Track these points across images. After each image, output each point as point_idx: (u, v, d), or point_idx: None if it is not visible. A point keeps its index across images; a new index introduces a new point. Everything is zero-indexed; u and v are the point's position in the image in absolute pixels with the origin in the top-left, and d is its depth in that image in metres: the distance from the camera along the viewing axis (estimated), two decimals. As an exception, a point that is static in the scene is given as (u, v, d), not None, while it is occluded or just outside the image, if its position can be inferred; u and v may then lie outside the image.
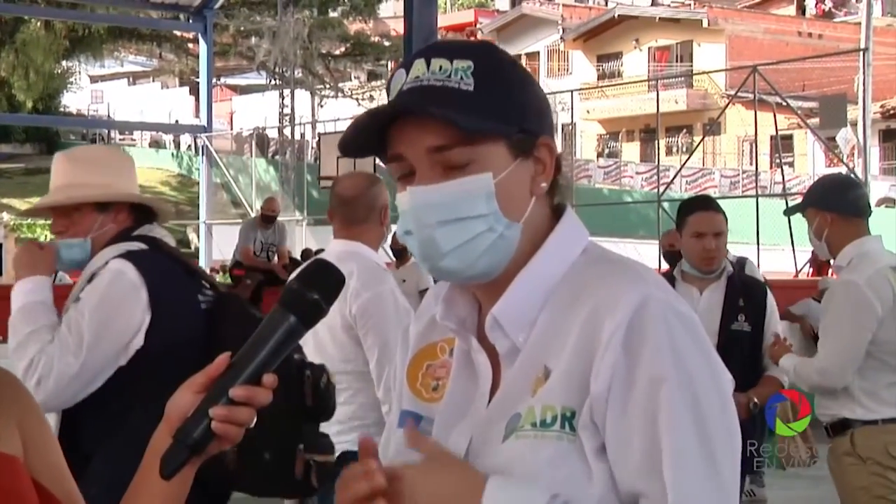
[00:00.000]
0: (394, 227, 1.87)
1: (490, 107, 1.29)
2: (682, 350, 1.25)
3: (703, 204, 4.34)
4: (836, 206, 3.83)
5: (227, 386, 1.26)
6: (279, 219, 12.69)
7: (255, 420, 1.28)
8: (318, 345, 3.51)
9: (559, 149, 1.39)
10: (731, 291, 4.15)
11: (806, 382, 3.82)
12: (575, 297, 1.30)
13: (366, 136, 1.33)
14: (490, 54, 1.35)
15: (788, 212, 4.43)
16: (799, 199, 4.68)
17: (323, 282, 1.30)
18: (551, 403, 1.26)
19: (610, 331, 1.25)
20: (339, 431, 3.50)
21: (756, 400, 4.02)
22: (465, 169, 1.30)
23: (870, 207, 3.98)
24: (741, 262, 6.73)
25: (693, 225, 4.14)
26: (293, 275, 2.10)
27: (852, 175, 12.05)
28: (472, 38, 40.91)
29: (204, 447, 1.26)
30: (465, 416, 1.35)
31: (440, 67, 1.30)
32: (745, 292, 4.16)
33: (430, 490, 1.22)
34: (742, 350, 4.04)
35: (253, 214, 17.34)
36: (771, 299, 4.17)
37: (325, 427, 3.56)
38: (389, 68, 33.11)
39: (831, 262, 4.17)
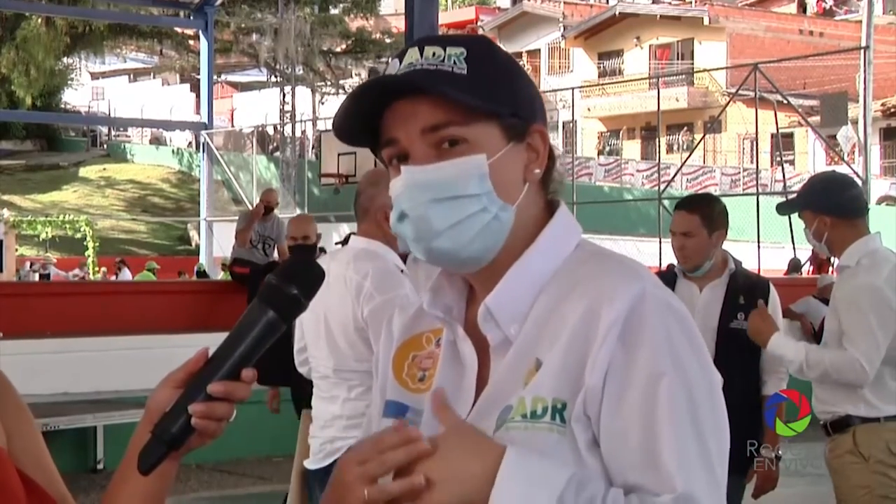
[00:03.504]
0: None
1: (484, 89, 1.30)
2: (678, 346, 1.26)
3: (681, 203, 4.37)
4: (834, 209, 3.78)
5: (206, 381, 1.25)
6: (280, 215, 12.61)
7: (234, 414, 1.27)
8: (330, 343, 3.53)
9: (559, 146, 1.39)
10: (731, 289, 4.14)
11: (826, 373, 3.66)
12: (570, 290, 1.30)
13: (359, 119, 1.34)
14: (482, 43, 1.37)
15: (783, 211, 4.38)
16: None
17: (302, 276, 1.30)
18: (542, 395, 1.26)
19: (607, 324, 1.25)
20: (347, 427, 3.50)
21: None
22: (460, 149, 1.30)
23: (867, 204, 3.94)
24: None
25: (671, 224, 4.27)
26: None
27: (854, 173, 12.00)
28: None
29: (182, 442, 1.26)
30: (454, 406, 1.33)
31: (433, 54, 1.32)
32: (746, 290, 4.15)
33: (455, 459, 1.18)
34: (740, 348, 4.03)
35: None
36: (774, 297, 4.14)
37: (331, 423, 3.58)
38: (390, 65, 33.06)
39: (833, 260, 4.13)
